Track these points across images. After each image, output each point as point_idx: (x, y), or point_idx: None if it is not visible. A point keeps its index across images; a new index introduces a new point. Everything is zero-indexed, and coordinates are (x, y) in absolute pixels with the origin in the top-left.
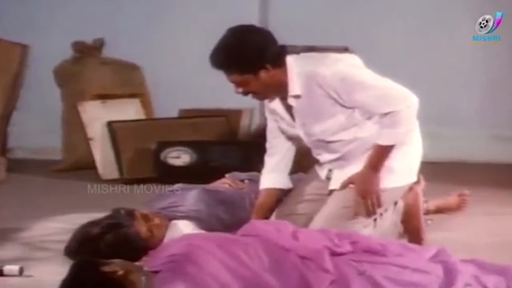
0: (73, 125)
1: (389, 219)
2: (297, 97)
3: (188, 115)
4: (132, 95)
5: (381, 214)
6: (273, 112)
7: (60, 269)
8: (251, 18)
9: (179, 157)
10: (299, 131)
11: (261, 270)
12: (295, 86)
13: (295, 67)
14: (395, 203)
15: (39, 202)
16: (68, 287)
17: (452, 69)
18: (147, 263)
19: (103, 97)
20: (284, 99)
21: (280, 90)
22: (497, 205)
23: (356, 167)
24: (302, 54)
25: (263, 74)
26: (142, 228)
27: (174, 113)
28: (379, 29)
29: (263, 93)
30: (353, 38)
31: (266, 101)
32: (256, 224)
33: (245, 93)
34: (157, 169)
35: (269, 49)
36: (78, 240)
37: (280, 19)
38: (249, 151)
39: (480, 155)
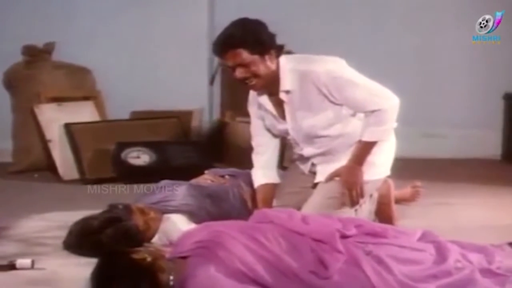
0: (27, 127)
1: (367, 208)
2: (287, 92)
3: (142, 117)
4: (85, 98)
5: (360, 205)
6: (261, 107)
7: (67, 262)
8: (200, 22)
9: (139, 157)
10: (288, 126)
11: (280, 253)
12: (286, 81)
13: (287, 64)
14: (371, 194)
15: (10, 202)
16: (101, 276)
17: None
18: (172, 250)
19: (58, 100)
20: (273, 94)
21: (272, 83)
22: (441, 196)
23: (340, 163)
24: (293, 55)
25: (267, 59)
26: (139, 222)
27: (126, 115)
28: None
29: (263, 79)
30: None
31: (251, 99)
32: (268, 212)
33: (246, 77)
34: (118, 169)
35: (275, 38)
36: (78, 234)
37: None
38: (205, 150)
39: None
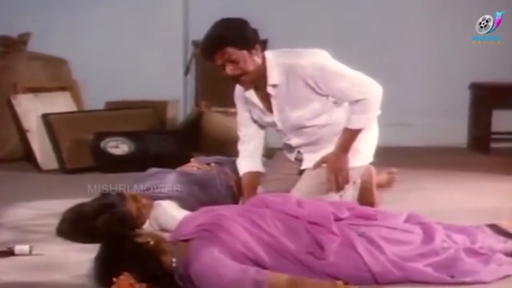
0: (2, 117)
1: (351, 194)
2: (274, 86)
3: (118, 107)
4: (62, 88)
5: (345, 191)
6: (247, 101)
7: (63, 247)
8: (175, 13)
9: (118, 147)
10: (275, 118)
11: (278, 235)
12: (273, 75)
13: (273, 59)
14: (354, 181)
15: None
16: (108, 259)
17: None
18: (173, 233)
19: (35, 90)
20: (259, 89)
21: (260, 77)
22: (415, 182)
23: (325, 150)
24: (278, 50)
25: (254, 54)
26: (132, 208)
27: (101, 106)
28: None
29: (252, 74)
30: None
31: (237, 93)
32: (264, 197)
33: (237, 75)
34: (98, 158)
35: (258, 33)
36: (72, 220)
37: (201, 15)
38: (182, 139)
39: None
